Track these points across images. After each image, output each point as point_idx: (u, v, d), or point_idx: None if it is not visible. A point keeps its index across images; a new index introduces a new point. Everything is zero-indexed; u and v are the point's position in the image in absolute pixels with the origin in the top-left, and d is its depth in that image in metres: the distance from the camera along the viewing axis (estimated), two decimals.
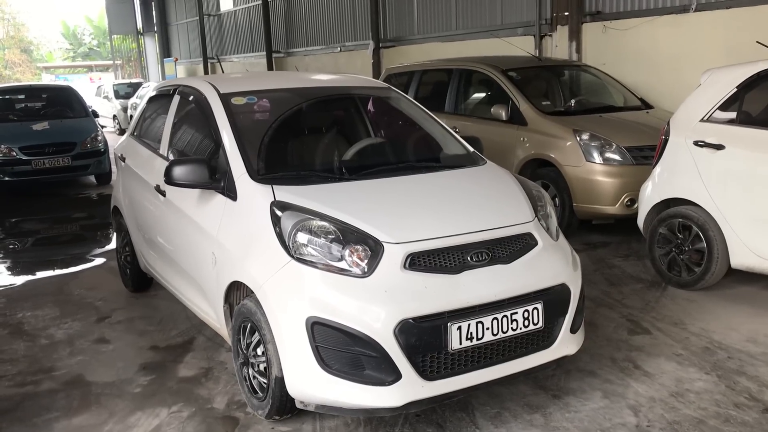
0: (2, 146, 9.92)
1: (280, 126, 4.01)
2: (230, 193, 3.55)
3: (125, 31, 32.24)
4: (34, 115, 11.14)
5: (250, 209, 3.40)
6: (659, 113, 7.14)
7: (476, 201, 3.52)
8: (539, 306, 3.19)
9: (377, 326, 2.88)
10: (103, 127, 12.25)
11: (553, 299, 3.27)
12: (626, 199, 6.14)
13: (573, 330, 3.39)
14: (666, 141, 5.18)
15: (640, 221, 5.45)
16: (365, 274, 2.99)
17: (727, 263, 4.80)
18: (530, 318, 3.17)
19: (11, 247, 7.46)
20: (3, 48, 57.62)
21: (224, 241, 3.49)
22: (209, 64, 23.80)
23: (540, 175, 6.75)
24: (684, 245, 5.03)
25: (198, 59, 24.64)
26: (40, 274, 6.19)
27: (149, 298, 5.29)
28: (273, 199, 3.28)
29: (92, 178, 11.20)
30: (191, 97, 4.34)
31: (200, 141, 4.23)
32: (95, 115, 11.78)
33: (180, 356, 4.19)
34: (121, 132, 20.18)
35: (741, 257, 4.70)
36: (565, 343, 3.35)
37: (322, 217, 3.15)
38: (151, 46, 30.79)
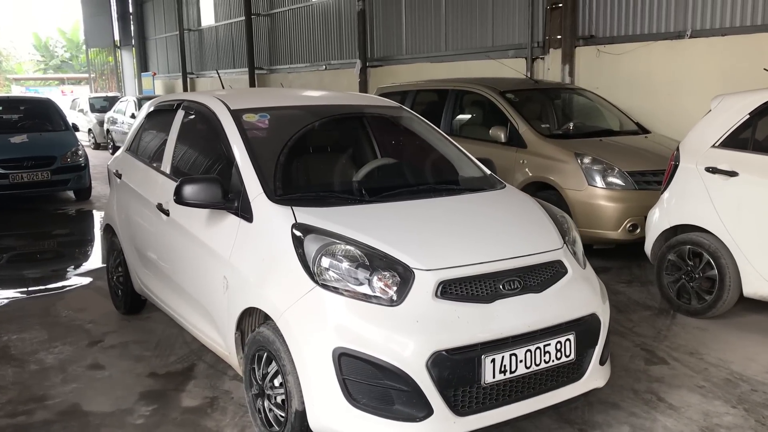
0: None
1: (295, 145, 3.85)
2: (245, 213, 3.37)
3: (102, 44, 31.81)
4: (11, 128, 10.80)
5: (269, 232, 3.22)
6: (657, 138, 7.13)
7: (504, 227, 3.39)
8: (571, 337, 3.06)
9: (409, 358, 2.72)
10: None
11: (585, 330, 3.14)
12: (628, 224, 6.07)
13: (602, 362, 3.26)
14: (676, 166, 5.12)
15: (648, 247, 5.37)
16: (394, 303, 2.83)
17: (739, 291, 4.73)
18: (563, 350, 3.03)
19: (4, 261, 7.15)
20: None
21: (238, 265, 3.31)
22: (189, 80, 23.53)
23: (540, 198, 6.64)
24: (694, 272, 4.96)
25: (177, 74, 24.35)
26: (23, 294, 5.91)
27: (142, 320, 5.05)
28: (294, 222, 3.11)
29: (71, 193, 10.88)
30: (198, 113, 4.17)
31: (207, 159, 4.06)
32: (75, 129, 11.48)
33: (181, 384, 3.97)
34: (97, 146, 19.79)
35: (754, 286, 4.63)
36: (595, 376, 3.22)
37: (348, 241, 2.98)
38: (128, 59, 30.42)
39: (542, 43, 10.04)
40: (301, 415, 2.91)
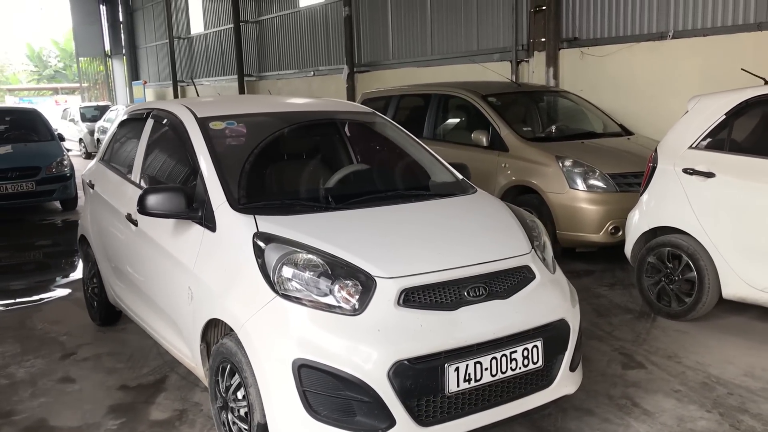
0: None
1: (262, 152, 3.80)
2: (209, 223, 3.32)
3: (92, 53, 31.76)
4: None
5: (231, 241, 3.17)
6: (641, 140, 7.10)
7: (471, 232, 3.35)
8: (539, 343, 3.01)
9: (370, 369, 2.67)
10: (69, 150, 11.87)
11: (553, 336, 3.09)
12: (610, 227, 6.03)
13: (572, 368, 3.22)
14: (654, 168, 5.09)
15: (628, 250, 5.33)
16: (356, 312, 2.78)
17: (719, 293, 4.69)
18: (530, 356, 2.99)
19: None
20: None
21: (202, 276, 3.26)
22: (179, 88, 23.49)
23: (522, 202, 6.62)
24: (674, 275, 4.92)
25: (168, 82, 24.33)
26: (0, 306, 5.84)
27: (117, 332, 4.99)
28: (256, 231, 3.07)
29: (58, 204, 10.81)
30: (166, 122, 4.12)
31: (175, 168, 4.00)
32: (61, 138, 11.42)
33: (152, 396, 3.92)
34: (88, 155, 19.74)
35: (733, 287, 4.59)
36: (565, 382, 3.17)
37: (309, 249, 2.94)
38: (119, 68, 30.38)
39: (527, 46, 10.03)
40: (263, 427, 2.85)
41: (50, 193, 10.13)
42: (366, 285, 2.84)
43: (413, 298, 2.85)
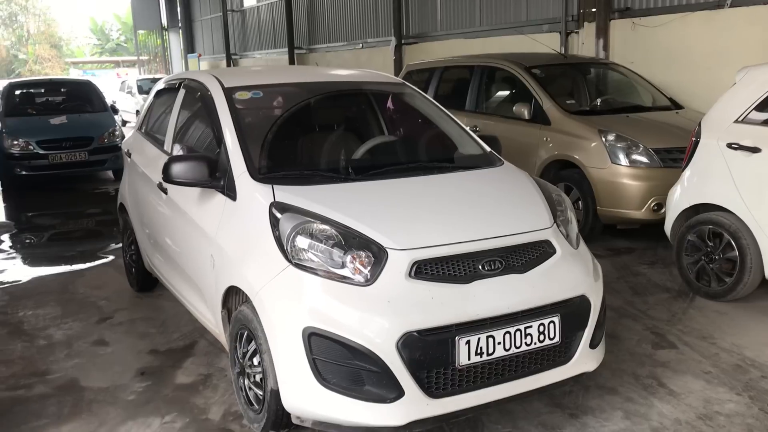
0: (20, 140, 9.85)
1: (285, 122, 3.81)
2: (230, 192, 3.35)
3: (150, 26, 32.33)
4: (53, 110, 11.08)
5: (249, 210, 3.20)
6: (690, 114, 6.83)
7: (491, 205, 3.29)
8: (556, 319, 2.95)
9: (378, 339, 2.67)
10: (126, 122, 12.17)
11: (572, 312, 3.03)
12: (653, 204, 5.85)
13: (593, 345, 3.14)
14: (697, 143, 4.89)
15: (668, 227, 5.16)
16: (367, 283, 2.78)
17: (761, 274, 4.50)
18: (546, 332, 2.93)
19: (26, 241, 7.36)
20: (33, 43, 58.42)
21: (223, 243, 3.30)
22: (232, 60, 23.75)
23: (563, 177, 6.49)
24: (714, 254, 4.75)
25: (221, 55, 24.59)
26: (47, 271, 6.06)
27: (154, 298, 5.12)
28: (273, 200, 3.08)
29: (110, 173, 11.11)
30: (195, 91, 4.16)
31: (203, 137, 4.05)
32: (114, 110, 11.70)
33: (179, 361, 4.01)
34: None
35: None
36: (584, 360, 3.11)
37: (324, 220, 2.93)
38: (175, 41, 30.88)
39: (576, 16, 9.73)
40: (276, 394, 2.89)
41: (102, 163, 10.40)
42: (378, 256, 2.82)
43: (425, 270, 2.82)
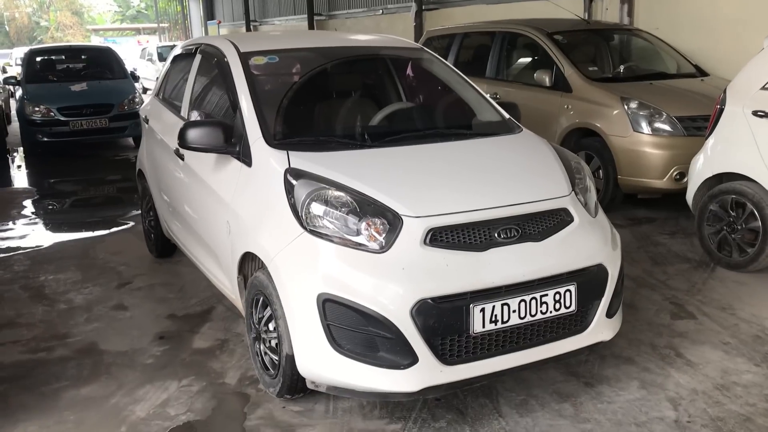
0: (41, 106, 9.91)
1: (301, 88, 3.78)
2: (245, 158, 3.34)
3: None
4: (74, 76, 11.11)
5: (265, 176, 3.19)
6: (715, 81, 6.67)
7: (508, 172, 3.25)
8: (572, 288, 2.93)
9: (392, 306, 2.66)
10: (146, 89, 12.09)
11: (589, 281, 3.00)
12: (675, 173, 5.75)
13: (609, 314, 3.12)
14: (721, 110, 4.79)
15: (689, 197, 5.08)
16: (382, 250, 2.76)
17: None
18: (562, 301, 2.91)
19: (48, 207, 7.44)
20: (55, 10, 58.52)
21: (238, 210, 3.30)
22: (252, 27, 23.61)
23: (584, 145, 6.40)
24: (737, 223, 4.67)
25: (241, 22, 24.44)
26: (68, 237, 6.13)
27: (172, 264, 5.16)
28: (288, 166, 3.07)
29: (131, 140, 11.15)
30: (212, 56, 4.13)
31: (219, 103, 4.02)
32: (134, 77, 11.71)
33: (197, 326, 4.05)
34: None
35: None
36: (600, 329, 3.09)
37: (339, 186, 2.92)
38: (195, 8, 30.74)
39: None
40: (291, 359, 2.91)
41: (122, 130, 10.43)
42: (393, 223, 2.80)
43: (440, 237, 2.80)
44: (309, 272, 2.80)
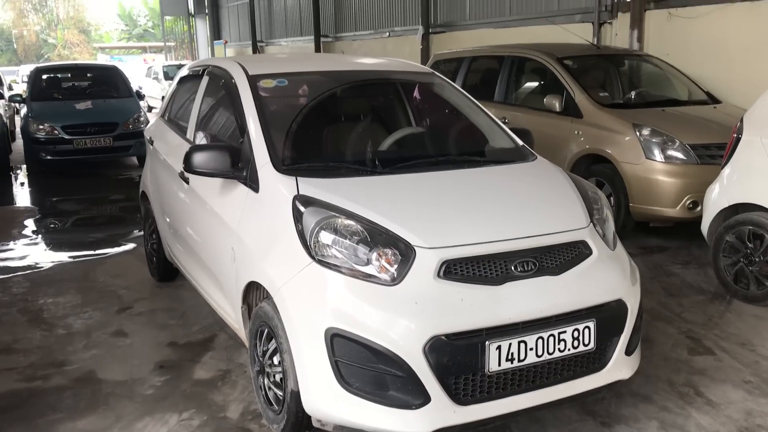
0: (45, 125, 9.86)
1: (311, 112, 3.68)
2: (253, 183, 3.24)
3: (177, 12, 32.35)
4: (79, 94, 11.07)
5: (272, 202, 3.08)
6: (728, 109, 6.59)
7: (524, 202, 3.14)
8: (591, 324, 2.80)
9: (404, 343, 2.54)
10: (151, 108, 12.03)
11: (608, 317, 2.88)
12: (688, 202, 5.64)
13: (628, 352, 2.99)
14: (738, 139, 4.69)
15: (704, 227, 4.96)
16: (393, 282, 2.65)
17: None
18: (580, 338, 2.78)
19: (50, 227, 7.34)
20: (63, 28, 58.98)
21: (244, 236, 3.19)
22: (258, 47, 23.68)
23: (595, 172, 6.30)
24: (754, 255, 4.54)
25: (247, 42, 24.53)
26: (69, 258, 6.02)
27: (174, 288, 5.04)
28: (296, 193, 2.96)
29: (135, 159, 11.09)
30: (219, 78, 4.05)
31: (226, 126, 3.93)
32: (139, 96, 11.67)
33: (199, 355, 3.93)
34: None
35: None
36: (619, 367, 2.96)
37: (349, 215, 2.80)
38: (201, 28, 30.86)
39: (610, 6, 9.47)
40: (297, 395, 2.78)
41: (126, 149, 10.35)
42: (405, 254, 2.69)
43: (455, 270, 2.68)
44: (317, 305, 2.68)
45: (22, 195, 9.35)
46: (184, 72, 5.06)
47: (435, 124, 4.25)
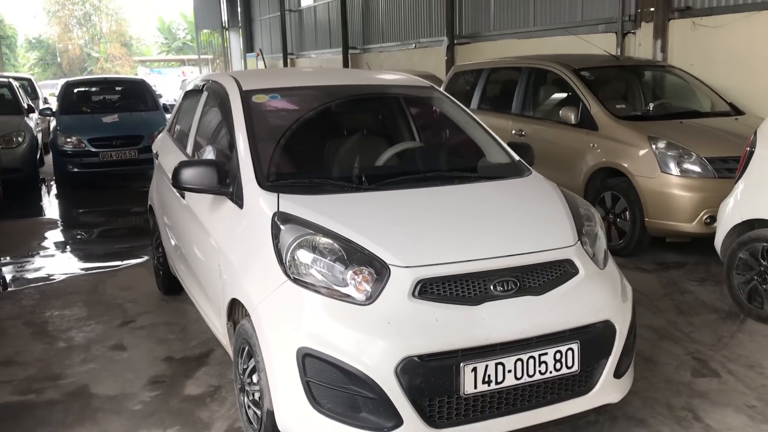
0: (73, 137, 10.05)
1: (300, 128, 3.66)
2: (238, 199, 3.23)
3: (211, 26, 32.89)
4: (107, 108, 11.28)
5: (254, 219, 3.06)
6: (750, 120, 6.38)
7: (509, 219, 3.07)
8: (575, 346, 2.72)
9: (374, 363, 2.49)
10: None
11: (593, 339, 2.78)
12: (705, 216, 5.48)
13: (618, 374, 2.89)
14: (751, 153, 4.54)
15: (718, 243, 4.81)
16: (368, 301, 2.60)
17: None
18: (563, 360, 2.70)
19: (69, 239, 7.45)
20: (105, 42, 60.42)
21: (228, 253, 3.17)
22: (289, 60, 23.89)
23: (610, 185, 6.16)
24: None
25: (279, 55, 24.78)
26: (81, 270, 6.10)
27: (179, 302, 5.05)
28: (276, 210, 2.94)
29: None
30: (216, 94, 4.06)
31: (220, 141, 3.93)
32: (166, 109, 11.83)
33: (192, 370, 3.92)
34: None
35: None
36: (607, 390, 2.86)
37: (326, 233, 2.77)
38: (235, 41, 31.31)
39: (634, 16, 9.29)
40: (271, 415, 2.74)
41: (151, 162, 10.43)
42: (380, 273, 2.64)
43: (431, 289, 2.63)
44: (289, 324, 2.65)
45: (49, 207, 9.53)
46: (189, 87, 5.10)
47: (428, 140, 4.20)
